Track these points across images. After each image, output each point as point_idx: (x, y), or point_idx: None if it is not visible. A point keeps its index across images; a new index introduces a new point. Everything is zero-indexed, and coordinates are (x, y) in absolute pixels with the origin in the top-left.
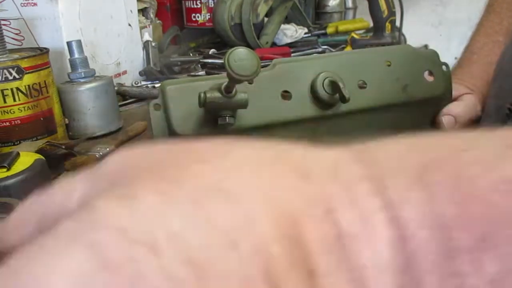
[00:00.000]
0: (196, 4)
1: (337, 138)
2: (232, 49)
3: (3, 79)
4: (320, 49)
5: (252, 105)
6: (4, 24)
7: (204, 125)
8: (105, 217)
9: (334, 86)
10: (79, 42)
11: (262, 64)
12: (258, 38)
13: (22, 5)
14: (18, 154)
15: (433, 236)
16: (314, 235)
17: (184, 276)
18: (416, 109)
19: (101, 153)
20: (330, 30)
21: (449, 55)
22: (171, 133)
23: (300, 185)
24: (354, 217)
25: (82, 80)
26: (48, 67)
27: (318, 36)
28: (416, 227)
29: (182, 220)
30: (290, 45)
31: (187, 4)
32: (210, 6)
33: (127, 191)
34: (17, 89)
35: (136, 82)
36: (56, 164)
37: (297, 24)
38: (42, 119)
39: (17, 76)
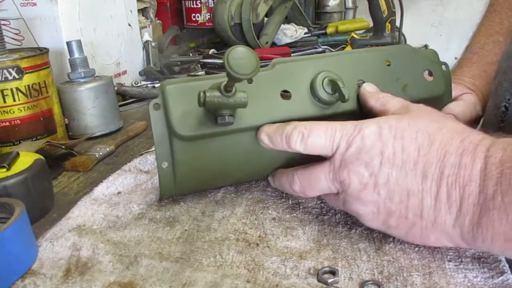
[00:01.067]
0: (196, 4)
1: None
2: (231, 47)
3: (3, 79)
4: (320, 49)
5: (251, 104)
6: (4, 24)
7: (203, 124)
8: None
9: (333, 85)
10: (79, 42)
11: (262, 64)
12: (258, 38)
13: (22, 5)
14: (18, 154)
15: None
16: (453, 153)
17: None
18: None
19: (101, 153)
20: (330, 30)
21: (449, 55)
22: (171, 132)
23: (458, 137)
24: (471, 156)
25: (82, 80)
26: (48, 67)
27: (318, 36)
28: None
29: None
30: (290, 45)
31: (187, 4)
32: (210, 6)
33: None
34: (17, 89)
35: (136, 82)
36: (56, 164)
37: (297, 24)
38: (42, 119)
39: (16, 76)
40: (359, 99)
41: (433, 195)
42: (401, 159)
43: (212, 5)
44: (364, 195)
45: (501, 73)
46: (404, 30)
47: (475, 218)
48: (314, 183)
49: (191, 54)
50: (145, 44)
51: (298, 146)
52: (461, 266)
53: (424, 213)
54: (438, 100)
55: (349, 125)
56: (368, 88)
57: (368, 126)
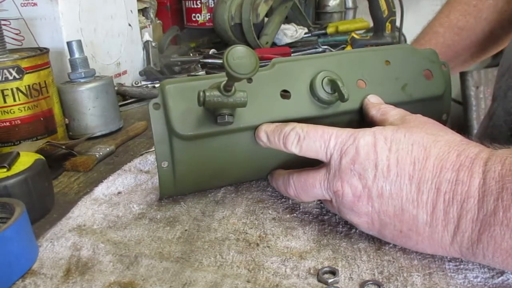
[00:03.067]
0: (196, 4)
1: None
2: (231, 47)
3: (3, 79)
4: (320, 49)
5: (251, 104)
6: (4, 24)
7: (203, 124)
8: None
9: (333, 85)
10: (79, 42)
11: (262, 63)
12: (258, 38)
13: (22, 5)
14: (18, 154)
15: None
16: (452, 166)
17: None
18: (415, 108)
19: (101, 153)
20: (330, 30)
21: None
22: (171, 131)
23: (454, 152)
24: (468, 172)
25: (82, 80)
26: (48, 67)
27: (318, 36)
28: (491, 179)
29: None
30: (290, 45)
31: (187, 4)
32: (210, 6)
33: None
34: (17, 89)
35: (136, 82)
36: (56, 164)
37: (297, 24)
38: (42, 119)
39: (17, 76)
40: (362, 110)
41: (429, 211)
42: (395, 173)
43: (212, 5)
44: (357, 207)
45: (510, 75)
46: (404, 30)
47: (474, 234)
48: (309, 189)
49: (191, 54)
50: (145, 44)
51: (294, 147)
52: (461, 266)
53: (419, 228)
54: (437, 100)
55: (345, 133)
56: (372, 100)
57: (364, 136)
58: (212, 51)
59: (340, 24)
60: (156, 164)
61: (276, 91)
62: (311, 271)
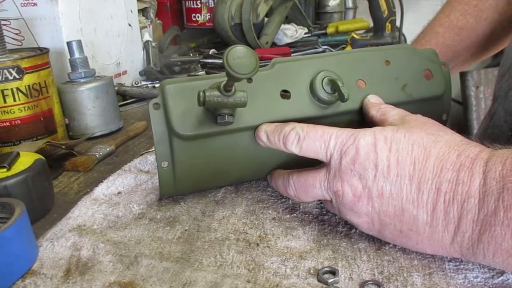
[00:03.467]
0: (196, 4)
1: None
2: (231, 47)
3: (3, 79)
4: (320, 49)
5: (251, 104)
6: (4, 24)
7: (203, 124)
8: (402, 131)
9: (333, 85)
10: (79, 42)
11: (262, 63)
12: (258, 38)
13: (22, 5)
14: (18, 154)
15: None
16: (452, 167)
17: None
18: (415, 108)
19: (101, 153)
20: (330, 30)
21: None
22: (171, 131)
23: (455, 152)
24: (468, 172)
25: (82, 80)
26: (48, 67)
27: (318, 36)
28: (492, 179)
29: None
30: (290, 45)
31: (187, 4)
32: (210, 6)
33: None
34: (17, 89)
35: (136, 82)
36: (56, 164)
37: (297, 24)
38: (42, 119)
39: (17, 76)
40: (362, 110)
41: (429, 211)
42: (395, 173)
43: (213, 5)
44: (357, 207)
45: (511, 75)
46: (404, 30)
47: (475, 234)
48: (308, 189)
49: (191, 54)
50: (145, 44)
51: (294, 147)
52: (461, 266)
53: (419, 228)
54: (437, 100)
55: (345, 133)
56: (372, 100)
57: (364, 137)
58: (212, 51)
59: (340, 24)
60: (156, 164)
61: (276, 91)
62: (311, 271)
